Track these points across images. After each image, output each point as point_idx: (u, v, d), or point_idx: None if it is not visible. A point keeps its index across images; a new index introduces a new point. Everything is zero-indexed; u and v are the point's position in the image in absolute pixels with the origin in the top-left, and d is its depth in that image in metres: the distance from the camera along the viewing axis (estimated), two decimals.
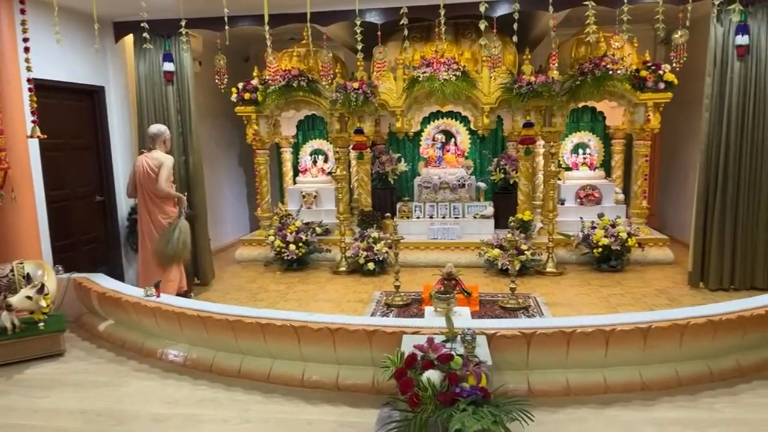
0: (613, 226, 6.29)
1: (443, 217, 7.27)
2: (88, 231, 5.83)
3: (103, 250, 6.04)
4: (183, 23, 4.42)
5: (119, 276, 5.89)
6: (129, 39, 6.14)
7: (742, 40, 5.15)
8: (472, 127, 7.23)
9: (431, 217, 7.30)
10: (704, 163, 5.43)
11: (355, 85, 6.61)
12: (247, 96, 7.03)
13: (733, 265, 5.48)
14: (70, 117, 5.62)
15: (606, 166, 7.72)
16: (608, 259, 6.30)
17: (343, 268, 6.60)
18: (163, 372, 3.89)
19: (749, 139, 5.29)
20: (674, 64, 4.95)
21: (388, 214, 6.79)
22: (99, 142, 5.96)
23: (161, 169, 5.06)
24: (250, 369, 3.73)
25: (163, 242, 5.09)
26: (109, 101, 6.02)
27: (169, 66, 5.97)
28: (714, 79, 5.31)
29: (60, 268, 4.87)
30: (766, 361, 3.60)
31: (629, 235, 6.23)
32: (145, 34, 4.40)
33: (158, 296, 4.27)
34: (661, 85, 6.36)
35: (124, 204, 6.14)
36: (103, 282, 4.78)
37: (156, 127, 5.23)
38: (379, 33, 5.38)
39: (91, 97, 5.88)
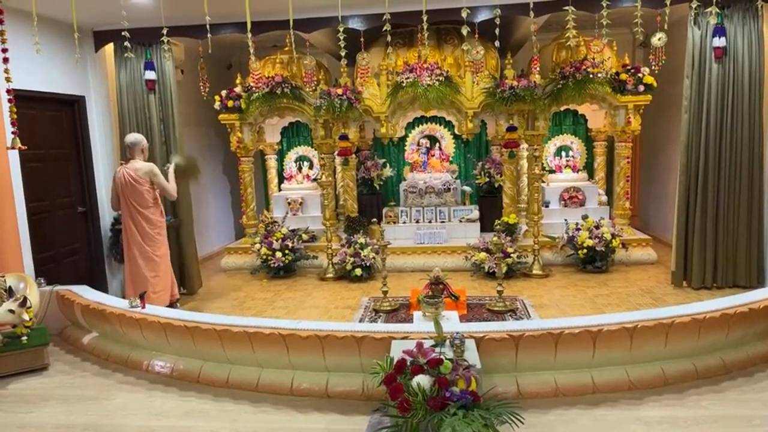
0: (597, 227, 6.36)
1: (429, 222, 7.29)
2: (70, 242, 5.75)
3: (85, 262, 5.95)
4: (164, 31, 4.39)
5: (103, 287, 5.81)
6: (110, 48, 6.08)
7: (719, 42, 5.24)
8: (456, 131, 7.26)
9: (417, 222, 7.31)
10: (684, 163, 5.51)
11: (339, 91, 6.62)
12: (230, 103, 7.00)
13: (715, 264, 5.56)
14: (51, 127, 5.55)
15: (589, 168, 7.80)
16: (593, 260, 6.37)
17: (330, 275, 6.58)
18: (149, 384, 3.85)
19: (728, 140, 5.38)
20: (653, 67, 5.04)
21: (374, 219, 6.80)
22: (80, 152, 5.89)
23: (156, 178, 5.06)
24: (239, 378, 3.70)
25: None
26: (90, 111, 5.96)
27: (150, 74, 5.92)
28: (692, 81, 5.40)
29: (42, 281, 4.80)
30: (750, 358, 3.66)
31: (613, 236, 6.30)
32: (126, 43, 4.37)
33: (143, 307, 4.23)
34: (641, 88, 6.45)
35: (107, 214, 6.06)
36: (87, 294, 4.72)
37: (133, 136, 5.18)
38: (362, 39, 5.40)
39: (72, 107, 5.81)
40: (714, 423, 3.05)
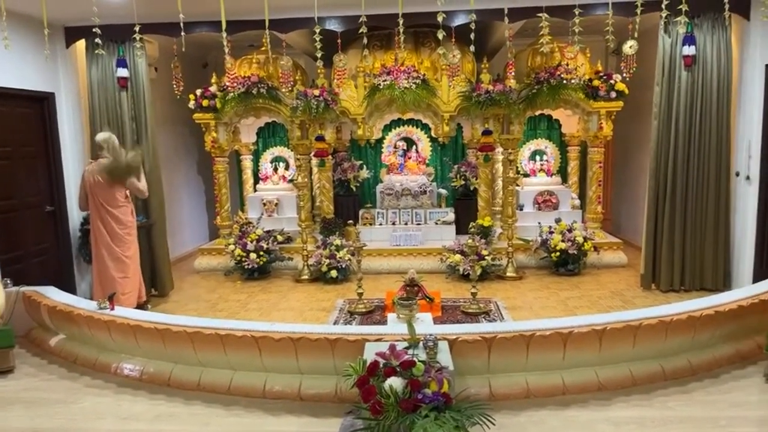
0: (570, 230, 6.45)
1: (405, 224, 7.31)
2: (37, 242, 5.61)
3: (54, 262, 5.82)
4: (137, 28, 4.32)
5: (71, 289, 5.69)
6: (81, 44, 5.96)
7: (688, 50, 5.37)
8: (432, 134, 7.31)
9: (394, 224, 7.33)
10: (654, 168, 5.63)
11: (316, 92, 6.60)
12: (205, 103, 6.92)
13: (683, 267, 5.69)
14: (19, 124, 5.41)
15: (562, 172, 7.92)
16: (566, 263, 6.46)
17: (305, 276, 6.55)
18: (117, 387, 3.78)
19: (696, 146, 5.51)
20: (624, 74, 5.14)
21: (350, 221, 6.78)
22: (49, 150, 5.75)
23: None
24: (210, 381, 3.66)
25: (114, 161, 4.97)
26: (60, 108, 5.83)
27: (122, 72, 5.82)
28: (662, 88, 5.52)
29: (8, 281, 4.67)
30: (716, 360, 3.75)
31: (585, 239, 6.40)
32: (97, 40, 4.29)
33: (112, 309, 4.15)
34: (613, 94, 6.58)
35: (75, 214, 5.93)
36: (54, 295, 4.62)
37: (102, 135, 5.08)
38: (339, 41, 5.39)
39: (41, 104, 5.68)
40: (681, 423, 3.12)
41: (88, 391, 3.74)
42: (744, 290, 4.25)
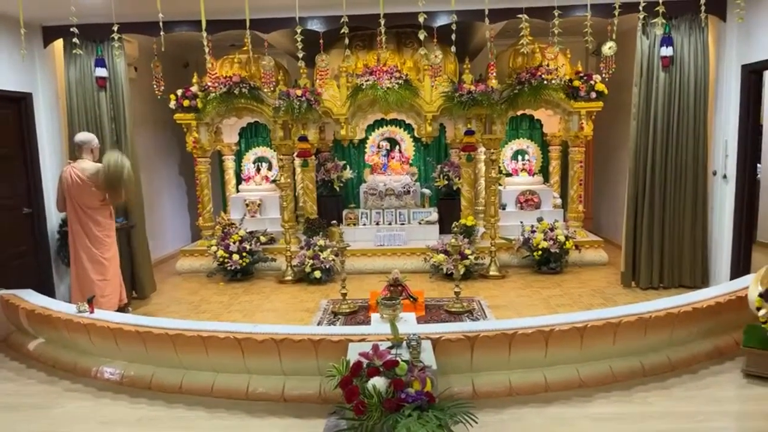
0: (552, 229, 6.51)
1: (389, 224, 7.32)
2: (15, 245, 5.51)
3: (31, 265, 5.71)
4: (115, 28, 4.27)
5: (50, 292, 5.59)
6: (59, 44, 5.87)
7: (666, 51, 5.46)
8: (415, 134, 7.32)
9: (377, 224, 7.33)
10: (633, 168, 5.71)
11: (298, 92, 6.58)
12: (186, 103, 6.86)
13: (662, 265, 5.78)
14: None
15: (544, 171, 8.00)
16: (548, 261, 6.52)
17: (289, 277, 6.52)
18: (98, 391, 3.73)
19: (674, 145, 5.60)
20: (604, 75, 5.21)
21: (334, 221, 6.77)
22: (26, 151, 5.65)
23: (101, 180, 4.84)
24: (192, 384, 3.63)
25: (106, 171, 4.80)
26: (38, 109, 5.73)
27: (101, 72, 5.74)
28: (641, 89, 5.60)
29: None
30: (694, 356, 3.82)
31: (567, 238, 6.47)
32: (75, 39, 4.23)
33: (92, 312, 4.10)
34: (593, 95, 6.66)
35: (54, 216, 5.84)
36: (33, 298, 4.54)
37: (82, 135, 5.01)
38: (321, 41, 5.38)
39: (18, 105, 5.57)
40: (660, 419, 3.17)
41: (67, 396, 3.69)
42: (721, 287, 4.33)
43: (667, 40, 5.45)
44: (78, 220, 4.90)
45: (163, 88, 5.45)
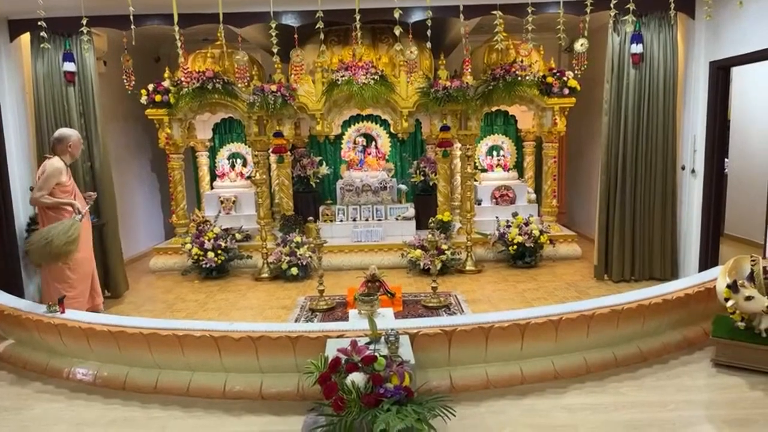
0: (527, 224, 6.60)
1: (366, 220, 7.32)
2: None
3: None
4: (84, 21, 4.17)
5: (19, 292, 5.44)
6: (26, 38, 5.70)
7: (636, 48, 5.56)
8: (392, 130, 7.32)
9: (354, 220, 7.32)
10: (605, 163, 5.81)
11: (273, 87, 6.52)
12: (158, 98, 6.73)
13: (633, 258, 5.90)
14: None
15: (519, 167, 8.08)
16: (523, 255, 6.60)
17: (265, 275, 6.47)
18: (70, 392, 3.66)
19: (644, 141, 5.71)
20: (576, 72, 5.28)
21: (310, 217, 6.71)
22: None
23: (40, 181, 4.61)
24: (168, 383, 3.58)
25: (41, 238, 4.43)
26: (4, 104, 5.55)
27: (69, 66, 5.61)
28: (612, 85, 5.70)
29: None
30: (664, 347, 3.91)
31: (541, 232, 6.56)
32: (42, 33, 4.12)
33: (62, 312, 4.01)
34: (566, 91, 6.74)
35: (22, 214, 5.68)
36: (1, 299, 4.42)
37: (59, 132, 4.87)
38: (296, 36, 5.34)
39: None
40: (632, 408, 3.25)
41: (39, 397, 3.61)
42: (690, 279, 4.43)
43: (637, 38, 5.54)
44: (41, 218, 4.79)
45: (133, 82, 5.33)
